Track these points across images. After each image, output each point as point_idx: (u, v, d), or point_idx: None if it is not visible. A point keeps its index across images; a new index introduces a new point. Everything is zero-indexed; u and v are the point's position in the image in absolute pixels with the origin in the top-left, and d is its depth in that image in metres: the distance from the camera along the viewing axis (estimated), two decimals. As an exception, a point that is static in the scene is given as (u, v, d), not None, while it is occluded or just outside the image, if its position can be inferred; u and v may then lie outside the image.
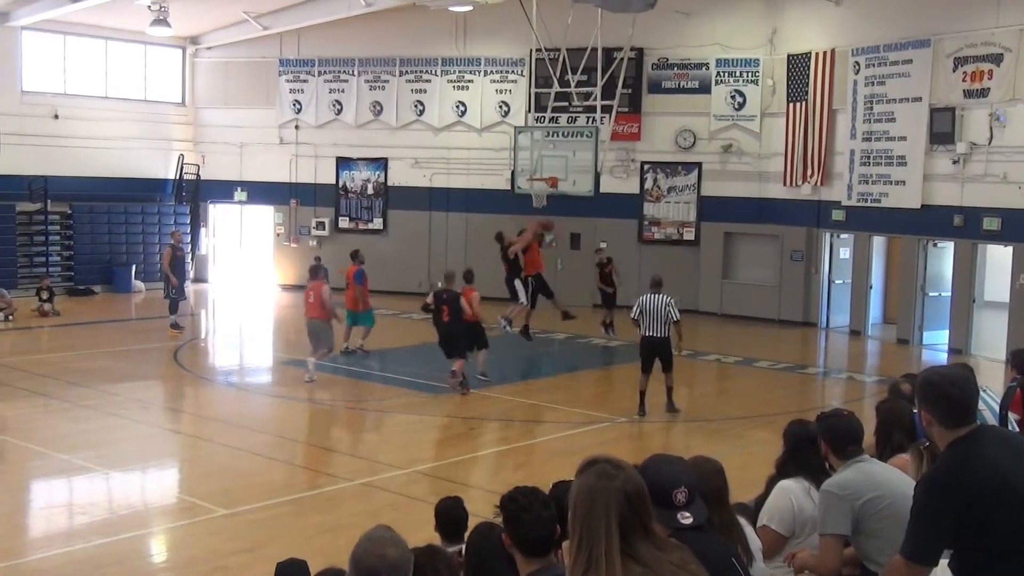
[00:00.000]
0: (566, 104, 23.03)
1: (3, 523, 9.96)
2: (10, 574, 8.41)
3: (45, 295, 22.70)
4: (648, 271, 24.97)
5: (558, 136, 23.33)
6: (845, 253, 23.44)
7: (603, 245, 23.24)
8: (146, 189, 28.43)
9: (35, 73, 26.49)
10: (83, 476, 11.39)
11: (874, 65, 21.86)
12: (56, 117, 26.31)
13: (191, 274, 28.57)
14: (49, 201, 25.91)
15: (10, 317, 21.51)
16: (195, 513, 10.03)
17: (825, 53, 22.98)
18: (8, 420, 13.62)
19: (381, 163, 27.76)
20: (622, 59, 22.07)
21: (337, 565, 4.68)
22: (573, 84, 21.92)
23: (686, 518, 3.70)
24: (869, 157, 22.04)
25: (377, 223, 27.92)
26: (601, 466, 3.13)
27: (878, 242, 22.99)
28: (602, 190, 23.67)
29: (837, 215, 22.96)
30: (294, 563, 5.61)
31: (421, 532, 6.73)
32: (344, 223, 28.18)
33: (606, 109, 22.23)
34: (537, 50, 22.67)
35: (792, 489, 5.46)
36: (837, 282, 23.46)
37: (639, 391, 14.29)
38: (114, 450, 12.32)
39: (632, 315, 14.17)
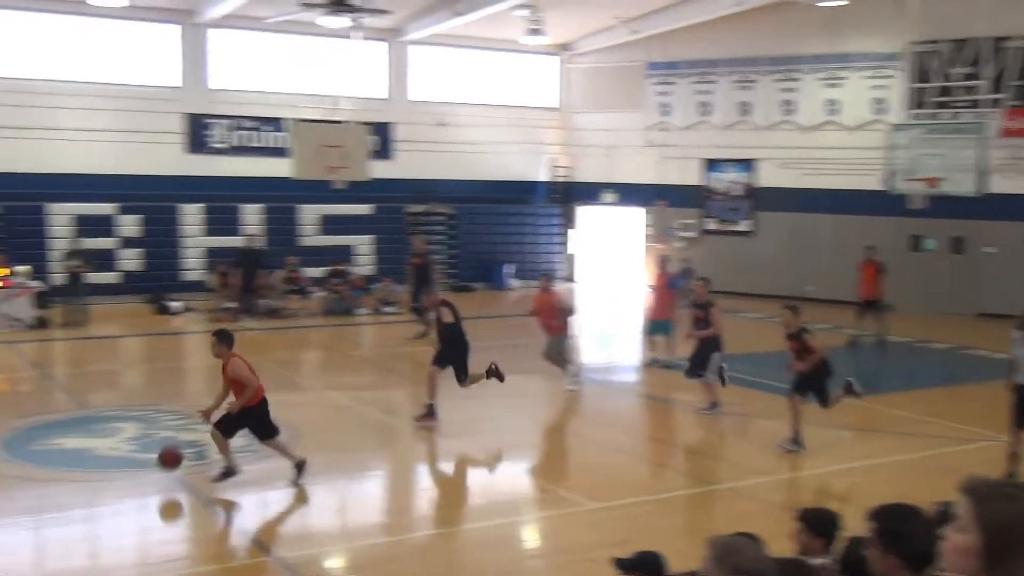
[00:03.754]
0: (947, 99, 21.70)
1: (395, 500, 10.96)
2: (397, 549, 9.24)
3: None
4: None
5: (938, 133, 22.02)
6: None
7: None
8: (520, 191, 29.92)
9: (421, 83, 28.63)
10: (464, 463, 12.28)
11: None
12: (441, 125, 28.25)
13: (560, 273, 29.72)
14: (435, 203, 27.90)
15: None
16: (562, 505, 10.48)
17: None
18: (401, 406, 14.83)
19: (748, 164, 27.48)
20: (1014, 48, 20.56)
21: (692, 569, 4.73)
22: (957, 77, 20.64)
23: None
24: None
25: (744, 225, 27.65)
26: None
27: None
28: (990, 190, 22.06)
29: None
30: (652, 555, 5.70)
31: (782, 542, 6.67)
32: (711, 225, 28.16)
33: (994, 103, 20.76)
34: (915, 43, 21.56)
35: None
36: None
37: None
38: (491, 439, 13.14)
39: None
